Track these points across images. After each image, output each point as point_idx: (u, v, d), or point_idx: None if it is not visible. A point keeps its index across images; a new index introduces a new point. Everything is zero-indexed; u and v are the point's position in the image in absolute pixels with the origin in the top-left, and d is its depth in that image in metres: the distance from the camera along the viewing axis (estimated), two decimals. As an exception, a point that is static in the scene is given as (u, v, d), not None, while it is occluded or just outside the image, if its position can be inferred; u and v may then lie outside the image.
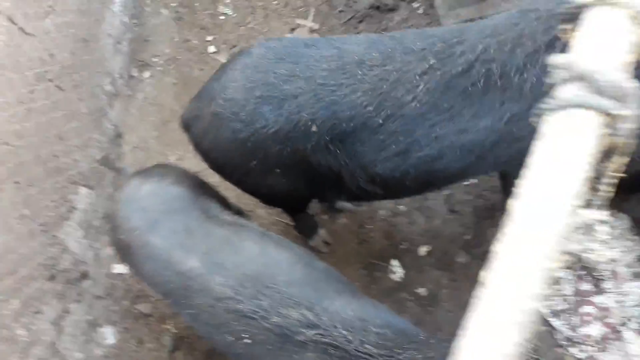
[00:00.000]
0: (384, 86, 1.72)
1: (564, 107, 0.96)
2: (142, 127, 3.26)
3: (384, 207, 2.75)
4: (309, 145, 1.80)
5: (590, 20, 1.00)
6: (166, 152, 3.16)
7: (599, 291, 2.32)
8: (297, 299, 1.65)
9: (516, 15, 1.68)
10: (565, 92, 0.98)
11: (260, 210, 2.80)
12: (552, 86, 1.01)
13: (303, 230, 2.63)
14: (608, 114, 0.95)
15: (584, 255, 2.36)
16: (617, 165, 1.05)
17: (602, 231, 2.42)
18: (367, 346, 1.55)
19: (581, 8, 1.05)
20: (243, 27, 3.41)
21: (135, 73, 3.43)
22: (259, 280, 1.69)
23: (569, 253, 2.16)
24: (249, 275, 1.70)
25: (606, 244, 2.37)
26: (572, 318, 2.31)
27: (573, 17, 1.05)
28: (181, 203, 1.90)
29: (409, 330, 1.68)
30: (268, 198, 2.24)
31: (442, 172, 1.84)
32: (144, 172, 2.13)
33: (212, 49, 3.39)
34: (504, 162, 1.82)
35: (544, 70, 1.40)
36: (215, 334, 1.73)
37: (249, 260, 1.76)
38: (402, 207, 2.76)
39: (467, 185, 2.70)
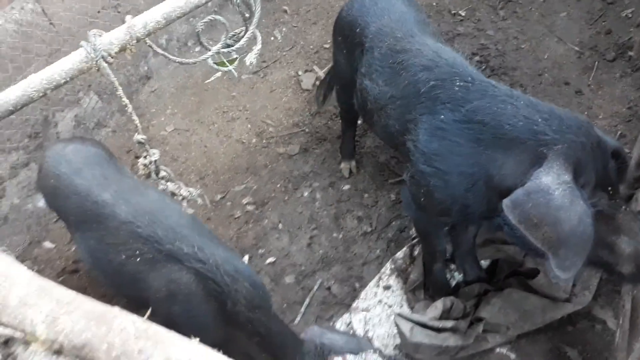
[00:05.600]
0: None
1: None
2: (166, 81, 4.16)
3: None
4: (355, 39, 2.73)
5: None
6: (167, 104, 4.01)
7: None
8: (188, 238, 2.24)
9: None
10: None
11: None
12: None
13: (342, 149, 3.48)
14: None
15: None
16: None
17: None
18: (239, 296, 2.12)
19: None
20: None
21: (190, 44, 4.36)
22: (155, 215, 2.29)
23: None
24: (147, 210, 2.32)
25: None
26: None
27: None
28: (99, 159, 2.55)
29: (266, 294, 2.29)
30: (337, 75, 3.13)
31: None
32: (67, 138, 2.88)
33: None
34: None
35: None
36: (113, 253, 2.33)
37: (149, 201, 2.40)
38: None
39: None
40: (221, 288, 2.11)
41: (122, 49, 1.50)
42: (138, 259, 2.24)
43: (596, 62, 3.66)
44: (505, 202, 1.95)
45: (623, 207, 2.02)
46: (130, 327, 1.25)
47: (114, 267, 2.34)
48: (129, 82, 4.10)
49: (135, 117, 1.37)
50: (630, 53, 3.58)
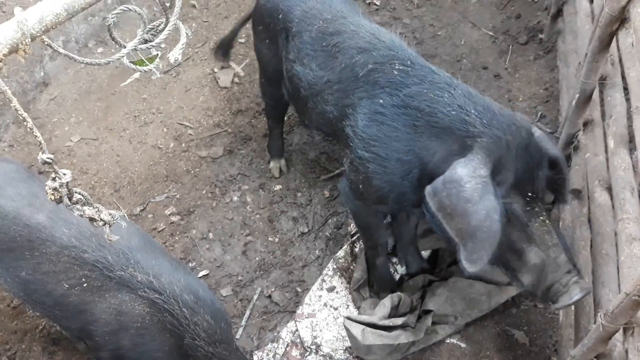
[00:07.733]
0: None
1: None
2: (67, 87, 3.76)
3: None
4: (277, 26, 2.57)
5: None
6: (71, 112, 3.62)
7: (301, 362, 2.54)
8: (142, 264, 1.99)
9: None
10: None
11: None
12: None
13: (270, 147, 3.25)
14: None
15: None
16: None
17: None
18: (199, 330, 1.92)
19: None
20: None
21: (91, 45, 3.97)
22: (103, 238, 1.98)
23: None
24: (93, 232, 2.00)
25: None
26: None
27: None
28: (21, 175, 2.25)
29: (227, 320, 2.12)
30: (262, 67, 2.94)
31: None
32: None
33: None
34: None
35: None
36: (53, 283, 2.01)
37: None
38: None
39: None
40: (179, 321, 1.92)
41: (13, 50, 1.24)
42: (84, 288, 1.98)
43: (510, 46, 3.76)
44: (427, 189, 1.95)
45: (541, 217, 1.96)
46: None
47: (54, 299, 2.04)
48: (24, 90, 3.66)
49: (37, 134, 1.12)
50: (541, 36, 3.71)
